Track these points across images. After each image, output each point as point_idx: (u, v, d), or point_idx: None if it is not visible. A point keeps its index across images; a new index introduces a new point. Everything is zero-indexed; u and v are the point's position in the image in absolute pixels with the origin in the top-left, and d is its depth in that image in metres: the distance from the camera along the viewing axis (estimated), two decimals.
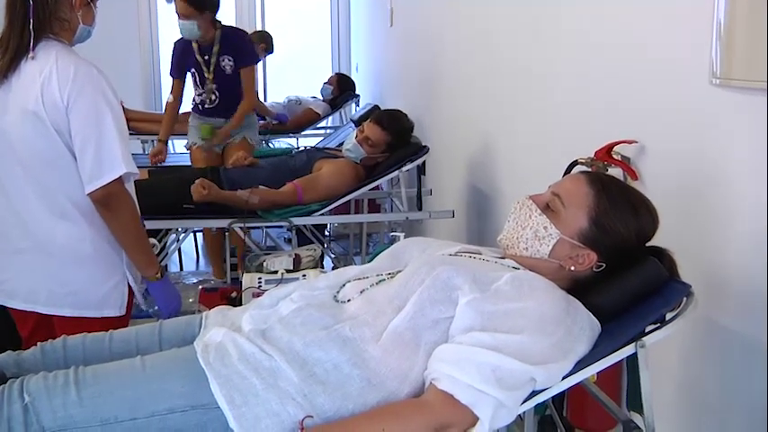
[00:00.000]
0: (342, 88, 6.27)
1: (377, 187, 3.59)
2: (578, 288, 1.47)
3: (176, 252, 4.59)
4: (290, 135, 6.06)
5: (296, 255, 2.65)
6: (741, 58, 1.44)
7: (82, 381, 1.30)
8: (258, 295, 2.11)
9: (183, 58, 4.10)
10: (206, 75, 4.05)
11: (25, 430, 1.25)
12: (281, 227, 3.31)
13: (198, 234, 4.84)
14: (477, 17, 3.30)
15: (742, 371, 1.52)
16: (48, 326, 2.09)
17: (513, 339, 1.28)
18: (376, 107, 5.20)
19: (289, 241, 4.31)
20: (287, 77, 7.44)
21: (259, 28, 7.16)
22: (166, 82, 4.64)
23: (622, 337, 1.37)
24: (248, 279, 2.46)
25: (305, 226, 3.46)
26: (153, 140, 4.23)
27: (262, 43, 6.03)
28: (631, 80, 1.89)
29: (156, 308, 2.18)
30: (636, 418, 1.52)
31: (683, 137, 1.67)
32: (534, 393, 1.32)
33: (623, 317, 1.42)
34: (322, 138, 6.07)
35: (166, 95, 4.35)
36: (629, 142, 1.83)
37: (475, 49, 3.36)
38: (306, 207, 3.18)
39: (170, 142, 5.02)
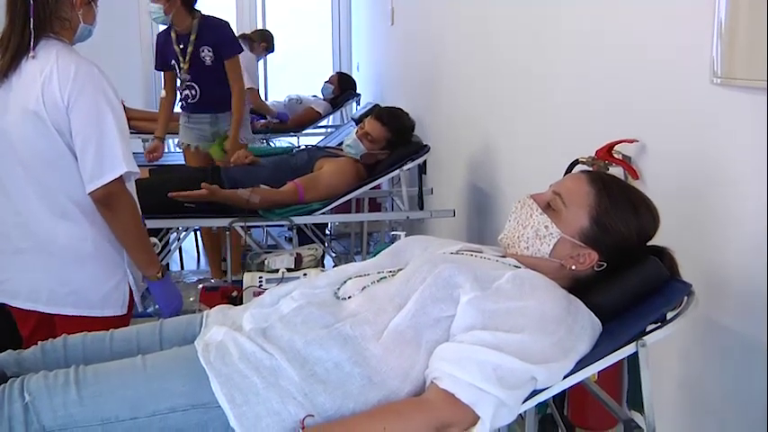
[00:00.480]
0: (342, 87, 6.27)
1: (378, 186, 3.59)
2: (579, 287, 1.47)
3: (177, 251, 4.59)
4: (291, 134, 6.07)
5: (297, 254, 2.65)
6: (742, 57, 1.44)
7: (82, 380, 1.30)
8: (259, 294, 2.11)
9: (164, 49, 4.04)
10: (182, 65, 3.96)
11: (26, 429, 1.25)
12: (281, 226, 3.31)
13: (199, 233, 4.84)
14: (478, 17, 3.30)
15: (742, 370, 1.52)
16: (49, 325, 2.09)
17: (514, 338, 1.28)
18: (376, 106, 5.21)
19: (290, 240, 4.31)
20: (288, 76, 7.45)
21: (260, 27, 7.17)
22: None
23: (623, 337, 1.37)
24: (249, 278, 2.46)
25: (306, 225, 3.46)
26: (153, 139, 4.20)
27: (263, 42, 6.04)
28: (632, 80, 1.89)
29: (157, 306, 2.18)
30: (637, 417, 1.52)
31: (684, 136, 1.67)
32: (535, 392, 1.32)
33: (624, 316, 1.42)
34: (323, 137, 6.07)
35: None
36: (630, 141, 1.83)
37: (475, 49, 3.35)
38: (307, 206, 3.18)
39: (169, 140, 5.01)
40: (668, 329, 1.38)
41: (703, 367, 1.67)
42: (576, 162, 1.94)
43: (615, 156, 1.86)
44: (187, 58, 3.94)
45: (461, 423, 1.25)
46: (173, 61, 4.01)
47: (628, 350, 1.37)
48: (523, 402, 1.30)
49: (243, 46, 5.44)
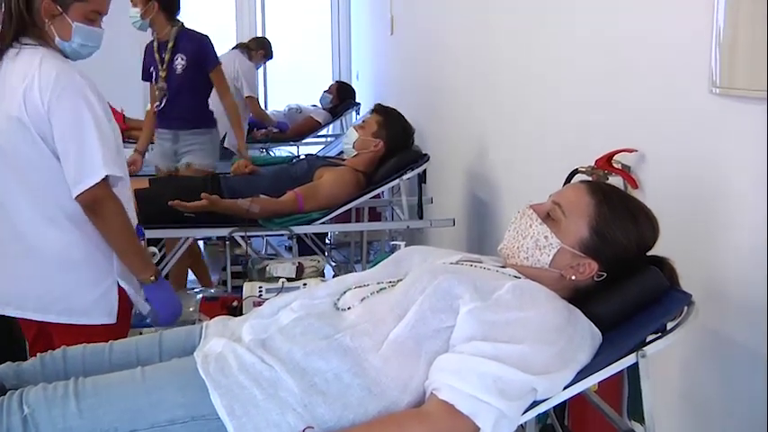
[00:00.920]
0: (341, 97, 6.29)
1: (377, 195, 3.58)
2: (579, 297, 1.47)
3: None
4: (291, 143, 6.08)
5: (299, 263, 2.65)
6: (741, 67, 1.44)
7: (81, 392, 1.30)
8: (259, 304, 2.11)
9: (148, 59, 4.02)
10: (160, 72, 3.92)
11: None
12: (281, 235, 3.30)
13: (199, 242, 4.82)
14: (478, 27, 3.30)
15: (743, 381, 1.52)
16: (48, 332, 2.09)
17: (514, 349, 1.28)
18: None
19: (289, 249, 4.30)
20: (288, 85, 7.46)
21: (259, 35, 7.18)
22: None
23: (623, 347, 1.37)
24: (249, 288, 2.45)
25: (306, 234, 3.45)
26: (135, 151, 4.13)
27: (260, 49, 6.04)
28: (631, 90, 1.89)
29: (154, 308, 2.15)
30: (637, 427, 1.52)
31: (684, 146, 1.68)
32: (536, 403, 1.32)
33: (624, 326, 1.42)
34: (323, 146, 6.09)
35: None
36: (630, 151, 1.83)
37: (475, 58, 3.36)
38: (306, 215, 3.17)
39: None
40: (668, 340, 1.38)
41: (704, 377, 1.66)
42: (575, 171, 1.94)
43: (615, 165, 1.86)
44: (164, 65, 3.91)
45: None
46: (152, 68, 3.99)
47: (628, 360, 1.36)
48: (524, 413, 1.30)
49: (241, 56, 5.47)
